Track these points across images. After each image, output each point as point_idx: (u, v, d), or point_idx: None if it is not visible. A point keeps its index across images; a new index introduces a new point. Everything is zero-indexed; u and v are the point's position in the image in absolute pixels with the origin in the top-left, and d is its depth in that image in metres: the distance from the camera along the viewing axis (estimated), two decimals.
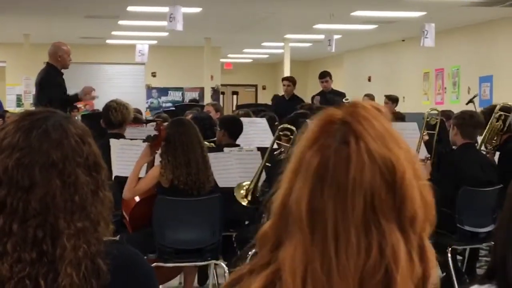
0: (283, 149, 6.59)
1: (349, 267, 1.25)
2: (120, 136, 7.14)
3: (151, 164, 6.07)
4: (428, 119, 7.66)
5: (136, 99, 20.29)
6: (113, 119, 7.20)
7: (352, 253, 1.25)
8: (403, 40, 20.30)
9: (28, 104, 18.87)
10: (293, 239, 1.29)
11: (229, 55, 25.74)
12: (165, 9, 13.18)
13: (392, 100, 14.29)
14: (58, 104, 8.25)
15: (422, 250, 1.30)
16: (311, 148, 1.30)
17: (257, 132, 8.11)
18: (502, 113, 7.64)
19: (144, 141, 6.16)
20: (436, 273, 1.33)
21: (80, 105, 17.33)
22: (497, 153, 7.71)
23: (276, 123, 8.22)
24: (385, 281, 1.25)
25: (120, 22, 17.21)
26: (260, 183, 6.37)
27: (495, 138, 7.70)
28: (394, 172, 1.27)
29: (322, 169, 1.27)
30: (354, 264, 1.25)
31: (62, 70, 9.32)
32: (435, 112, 7.83)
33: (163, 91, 23.61)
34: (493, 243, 2.05)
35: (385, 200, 1.27)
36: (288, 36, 20.08)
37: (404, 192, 1.27)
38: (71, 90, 9.54)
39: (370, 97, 14.88)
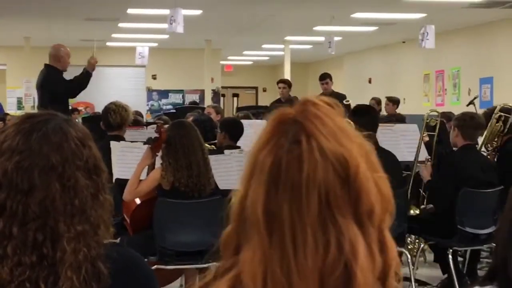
0: None
1: (308, 266, 1.25)
2: (119, 138, 7.13)
3: (151, 167, 6.07)
4: (427, 121, 7.66)
5: (136, 101, 20.28)
6: (112, 121, 7.20)
7: (310, 252, 1.25)
8: (403, 42, 20.31)
9: (29, 107, 18.87)
10: (251, 242, 1.29)
11: (230, 57, 25.75)
12: (165, 12, 13.19)
13: (393, 101, 14.30)
14: (65, 96, 8.32)
15: (382, 243, 1.31)
16: (264, 149, 1.30)
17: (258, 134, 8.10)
18: (502, 114, 7.63)
19: (144, 143, 6.17)
20: (398, 264, 1.33)
21: (80, 107, 17.37)
22: (497, 154, 7.71)
23: None
24: (345, 276, 1.25)
25: (120, 25, 17.22)
26: None
27: (495, 140, 7.69)
28: (347, 167, 1.27)
29: (275, 170, 1.27)
30: (313, 263, 1.25)
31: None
32: (435, 113, 7.83)
33: (164, 93, 23.61)
34: (494, 244, 2.05)
35: (340, 196, 1.27)
36: (288, 38, 20.08)
37: (359, 186, 1.27)
38: None
39: (376, 100, 14.88)
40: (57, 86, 9.21)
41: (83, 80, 9.52)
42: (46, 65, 9.51)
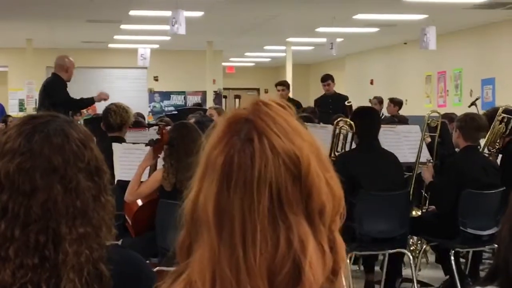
0: None
1: (257, 263, 1.25)
2: (120, 139, 7.13)
3: (153, 168, 6.07)
4: (428, 122, 7.66)
5: (138, 103, 20.28)
6: (112, 122, 7.19)
7: (260, 249, 1.26)
8: (405, 43, 20.30)
9: (31, 109, 18.87)
10: (201, 241, 1.30)
11: (231, 59, 25.76)
12: (167, 13, 13.19)
13: (396, 103, 14.29)
14: (62, 106, 8.36)
15: (333, 243, 1.31)
16: (217, 148, 1.31)
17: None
18: (505, 115, 7.62)
19: (146, 145, 6.17)
20: (346, 267, 1.34)
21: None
22: (500, 156, 7.70)
23: None
24: (294, 273, 1.26)
25: (122, 27, 17.22)
26: None
27: (497, 141, 7.68)
28: (298, 164, 1.28)
29: (227, 168, 1.29)
30: (261, 260, 1.25)
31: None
32: (436, 114, 7.82)
33: (166, 95, 23.61)
34: (496, 245, 2.05)
35: (291, 193, 1.27)
36: (290, 39, 20.08)
37: (311, 183, 1.28)
38: (72, 95, 9.67)
39: (379, 99, 14.86)
40: (58, 93, 9.33)
41: (85, 103, 9.89)
42: (53, 74, 9.66)
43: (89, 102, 9.86)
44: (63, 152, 1.85)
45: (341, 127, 7.15)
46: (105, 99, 9.79)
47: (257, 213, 1.26)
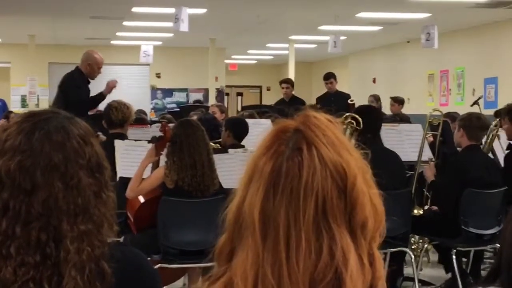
0: None
1: (299, 270, 1.27)
2: (122, 135, 7.13)
3: (156, 165, 6.07)
4: (430, 120, 7.65)
5: (140, 100, 20.30)
6: (114, 118, 7.19)
7: (303, 256, 1.27)
8: (408, 42, 20.29)
9: (33, 105, 18.89)
10: (245, 245, 1.31)
11: (234, 56, 25.75)
12: (170, 10, 13.19)
13: (398, 101, 14.27)
14: (74, 106, 8.14)
15: (372, 258, 1.33)
16: (265, 155, 1.33)
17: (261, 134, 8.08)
18: None
19: (149, 142, 6.17)
20: (383, 284, 1.34)
21: None
22: (502, 155, 7.69)
23: None
24: (335, 283, 1.27)
25: (125, 23, 17.22)
26: None
27: None
28: (345, 177, 1.30)
29: (275, 175, 1.30)
30: (304, 267, 1.27)
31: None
32: (438, 113, 7.81)
33: (168, 92, 23.62)
34: (497, 245, 2.06)
35: (336, 205, 1.29)
36: (292, 37, 20.07)
37: (355, 197, 1.30)
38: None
39: (375, 97, 14.84)
40: (71, 90, 9.05)
41: (96, 101, 9.40)
42: (76, 67, 9.35)
43: (100, 98, 9.35)
44: (64, 149, 1.85)
45: (348, 122, 7.07)
46: (113, 87, 9.39)
47: (302, 221, 1.28)
